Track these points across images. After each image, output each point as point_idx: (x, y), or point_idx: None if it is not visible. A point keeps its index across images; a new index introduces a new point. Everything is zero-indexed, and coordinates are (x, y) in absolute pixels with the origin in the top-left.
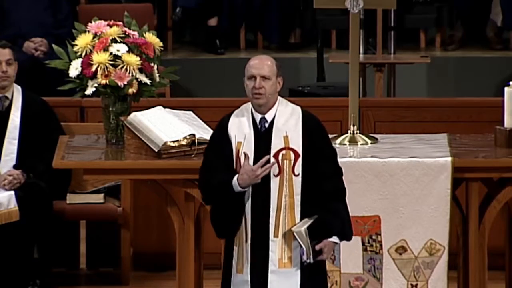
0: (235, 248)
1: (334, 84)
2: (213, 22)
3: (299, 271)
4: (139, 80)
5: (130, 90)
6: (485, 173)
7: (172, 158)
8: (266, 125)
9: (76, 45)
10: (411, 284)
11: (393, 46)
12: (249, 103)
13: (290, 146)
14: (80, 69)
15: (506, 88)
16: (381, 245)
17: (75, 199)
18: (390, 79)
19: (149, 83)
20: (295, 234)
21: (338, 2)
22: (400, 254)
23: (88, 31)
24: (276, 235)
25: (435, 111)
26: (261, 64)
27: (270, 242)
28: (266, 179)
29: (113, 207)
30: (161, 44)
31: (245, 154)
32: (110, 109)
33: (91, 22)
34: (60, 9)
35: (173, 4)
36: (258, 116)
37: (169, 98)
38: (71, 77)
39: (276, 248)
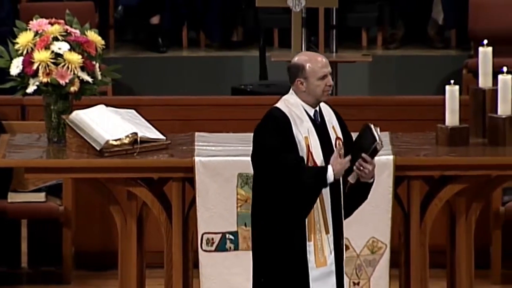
0: (310, 243)
1: (277, 83)
2: (155, 20)
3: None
4: (80, 78)
5: (72, 89)
6: (427, 171)
7: (114, 157)
8: (319, 118)
9: (18, 43)
10: (353, 282)
11: (335, 44)
12: (287, 99)
13: (338, 135)
14: (21, 67)
15: (447, 87)
16: None
17: (17, 198)
18: (332, 77)
19: (91, 82)
20: (371, 125)
21: (280, 0)
22: None
23: (30, 29)
24: (343, 222)
25: (377, 109)
26: (326, 62)
27: (343, 229)
28: None
29: (54, 206)
30: (103, 42)
31: (338, 145)
32: (52, 107)
33: (32, 20)
34: (1, 7)
35: (115, 2)
36: (311, 110)
37: (111, 97)
38: (12, 75)
39: (344, 233)
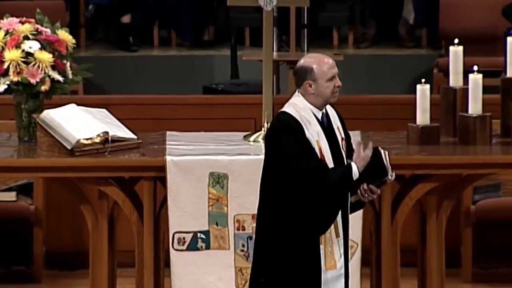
0: (322, 246)
1: (248, 82)
2: (126, 19)
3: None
4: (51, 77)
5: (43, 88)
6: (397, 170)
7: (85, 156)
8: (326, 120)
9: None
10: None
11: (306, 43)
12: (295, 103)
13: (343, 136)
14: None
15: (418, 86)
16: None
17: None
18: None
19: (61, 81)
20: (382, 151)
21: None
22: None
23: (0, 28)
24: (349, 226)
25: (348, 108)
26: (333, 63)
27: (349, 232)
28: None
29: (25, 205)
30: (73, 41)
31: (358, 142)
32: (22, 106)
33: (2, 19)
34: None
35: (86, 1)
36: (319, 113)
37: (82, 96)
38: None
39: (350, 238)
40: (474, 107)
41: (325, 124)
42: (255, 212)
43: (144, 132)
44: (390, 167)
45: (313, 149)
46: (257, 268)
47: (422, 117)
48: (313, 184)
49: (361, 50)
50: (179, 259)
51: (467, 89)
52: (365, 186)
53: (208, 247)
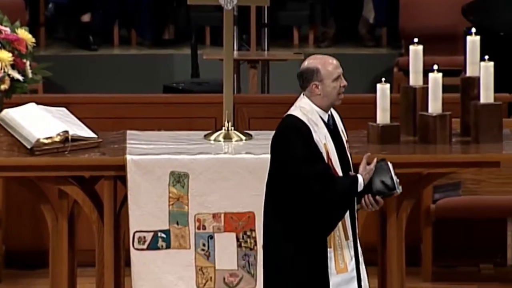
0: (330, 250)
1: (209, 81)
2: (86, 18)
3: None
4: (11, 76)
5: (2, 87)
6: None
7: (45, 155)
8: (331, 122)
9: None
10: None
11: (266, 43)
12: (302, 106)
13: (347, 138)
14: None
15: (378, 85)
16: (255, 241)
17: None
18: (264, 75)
19: (21, 80)
20: (389, 164)
21: None
22: None
23: None
24: (359, 228)
25: None
26: (338, 63)
27: (357, 235)
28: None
29: None
30: (33, 40)
31: (366, 155)
32: None
33: None
34: None
35: (46, 0)
36: (325, 116)
37: (42, 95)
38: None
39: (359, 240)
40: (434, 106)
41: (331, 127)
42: (216, 211)
43: (104, 131)
44: (397, 180)
45: (321, 153)
46: (267, 273)
47: (382, 116)
48: (320, 191)
49: (321, 49)
50: (139, 258)
51: (427, 88)
52: (370, 197)
53: (168, 246)
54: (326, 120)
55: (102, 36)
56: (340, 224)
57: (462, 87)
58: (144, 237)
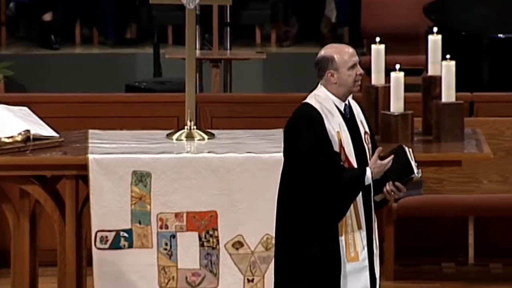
0: (341, 238)
1: (171, 80)
2: (47, 17)
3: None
4: None
5: None
6: None
7: (6, 155)
8: (348, 112)
9: None
10: (248, 279)
11: (229, 42)
12: (317, 94)
13: (366, 130)
14: None
15: None
16: (218, 241)
17: None
18: (227, 74)
19: None
20: (406, 149)
21: None
22: (237, 249)
23: None
24: (375, 218)
25: (270, 106)
26: (354, 51)
27: (373, 226)
28: (367, 164)
29: None
30: None
31: (378, 149)
32: None
33: None
34: None
35: None
36: (341, 104)
37: (3, 94)
38: None
39: (374, 231)
40: (396, 105)
41: (348, 116)
42: (178, 210)
43: (66, 130)
44: (415, 164)
45: (331, 141)
46: (278, 260)
47: None
48: (325, 180)
49: (283, 49)
50: (101, 258)
51: (389, 87)
52: (391, 184)
53: (130, 246)
54: (342, 109)
55: (64, 35)
56: (353, 212)
57: (424, 86)
58: (106, 237)
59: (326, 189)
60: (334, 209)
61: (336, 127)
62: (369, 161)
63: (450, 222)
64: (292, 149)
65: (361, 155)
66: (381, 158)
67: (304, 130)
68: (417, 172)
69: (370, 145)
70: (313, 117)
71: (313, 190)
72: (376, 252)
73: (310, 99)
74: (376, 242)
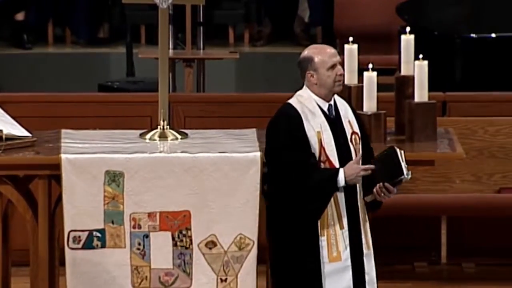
0: (323, 238)
1: (144, 80)
2: (20, 16)
3: (372, 251)
4: None
5: None
6: None
7: None
8: (333, 112)
9: None
10: (221, 279)
11: (202, 41)
12: (300, 94)
13: (355, 130)
14: None
15: None
16: (191, 240)
17: None
18: (200, 74)
19: None
20: (398, 150)
21: None
22: (210, 249)
23: None
24: (363, 218)
25: (244, 106)
26: (335, 52)
27: (361, 227)
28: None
29: None
30: None
31: (359, 154)
32: None
33: None
34: None
35: None
36: (325, 105)
37: None
38: None
39: (363, 232)
40: (369, 105)
41: (332, 116)
42: (151, 210)
43: (38, 130)
44: (406, 166)
45: (308, 142)
46: (272, 260)
47: None
48: (296, 179)
49: (257, 48)
50: (74, 258)
51: (362, 87)
52: (381, 185)
53: (103, 246)
54: (326, 109)
55: (37, 35)
56: (335, 213)
57: (396, 86)
58: (79, 237)
59: (296, 188)
60: (307, 209)
61: (316, 127)
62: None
63: (423, 222)
64: (268, 147)
65: (345, 155)
66: (374, 159)
67: (280, 130)
68: (406, 174)
69: (359, 146)
70: (290, 117)
71: (284, 189)
72: (366, 252)
73: (292, 99)
74: (368, 243)
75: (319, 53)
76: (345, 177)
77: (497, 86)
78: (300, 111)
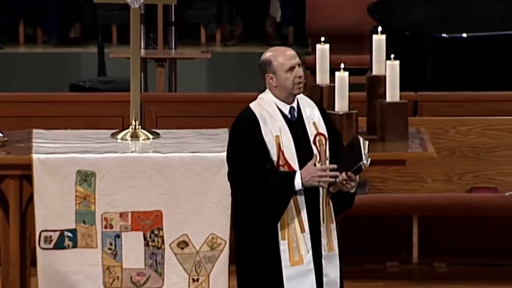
0: (284, 242)
1: (116, 79)
2: None
3: (337, 251)
4: None
5: None
6: None
7: None
8: (295, 114)
9: None
10: (193, 279)
11: (174, 41)
12: (261, 97)
13: (320, 131)
14: None
15: None
16: (163, 240)
17: None
18: (172, 74)
19: None
20: (361, 140)
21: None
22: (182, 248)
23: None
24: (323, 221)
25: (216, 106)
26: (294, 54)
27: (321, 228)
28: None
29: None
30: None
31: (315, 155)
32: None
33: None
34: None
35: None
36: (286, 107)
37: None
38: None
39: (324, 233)
40: (341, 104)
41: (294, 119)
42: (123, 210)
43: (9, 130)
44: (366, 154)
45: (266, 146)
46: (237, 263)
47: None
48: (252, 184)
49: (228, 48)
50: (45, 258)
51: (334, 87)
52: (344, 175)
53: (75, 246)
54: (287, 111)
55: (7, 34)
56: (295, 216)
57: (368, 86)
58: (51, 237)
59: (253, 193)
60: (265, 213)
61: (275, 131)
62: (316, 165)
63: (394, 221)
64: (227, 150)
65: (307, 158)
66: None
67: (237, 134)
68: (365, 160)
69: (325, 147)
70: (247, 122)
71: (241, 193)
72: (326, 254)
73: (254, 102)
74: (330, 244)
75: (278, 56)
76: (301, 180)
77: (468, 86)
78: (258, 115)
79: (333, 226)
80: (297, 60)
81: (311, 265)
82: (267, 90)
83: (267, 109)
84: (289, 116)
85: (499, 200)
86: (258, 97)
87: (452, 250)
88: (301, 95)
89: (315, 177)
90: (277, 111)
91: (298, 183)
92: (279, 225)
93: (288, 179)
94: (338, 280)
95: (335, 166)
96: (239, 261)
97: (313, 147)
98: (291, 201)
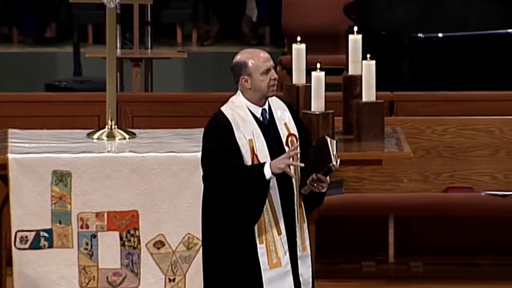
0: (262, 245)
1: (91, 79)
2: None
3: (309, 251)
4: None
5: None
6: None
7: None
8: (267, 116)
9: None
10: (169, 279)
11: (150, 41)
12: (232, 101)
13: (291, 132)
14: None
15: None
16: (139, 240)
17: None
18: (148, 74)
19: None
20: (328, 140)
21: None
22: (158, 248)
23: None
24: (298, 221)
25: (191, 106)
26: (268, 56)
27: (296, 229)
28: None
29: None
30: None
31: (291, 143)
32: None
33: None
34: None
35: None
36: (258, 110)
37: None
38: None
39: (299, 234)
40: (317, 104)
41: (266, 121)
42: (99, 210)
43: None
44: (335, 155)
45: (239, 150)
46: (205, 270)
47: None
48: (225, 182)
49: (204, 48)
50: (21, 258)
51: (310, 86)
52: (314, 176)
53: (51, 246)
54: (259, 114)
55: None
56: (271, 218)
57: (344, 86)
58: (26, 237)
59: (227, 192)
60: (241, 211)
61: (248, 134)
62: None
63: (371, 221)
64: (201, 154)
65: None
66: (312, 149)
67: (210, 138)
68: (334, 161)
69: (296, 147)
70: (220, 126)
71: (216, 198)
72: (301, 254)
73: (225, 106)
74: (304, 244)
75: (253, 58)
76: (271, 168)
77: (444, 86)
78: (231, 119)
79: (305, 226)
80: (272, 62)
81: (289, 267)
82: (238, 92)
83: (239, 112)
84: (261, 118)
85: (475, 199)
86: (230, 100)
87: (428, 249)
88: (274, 96)
89: (283, 159)
90: (249, 115)
91: (267, 171)
92: (256, 229)
93: (257, 169)
94: (311, 280)
95: (302, 164)
96: (209, 265)
97: (286, 148)
98: (267, 204)
